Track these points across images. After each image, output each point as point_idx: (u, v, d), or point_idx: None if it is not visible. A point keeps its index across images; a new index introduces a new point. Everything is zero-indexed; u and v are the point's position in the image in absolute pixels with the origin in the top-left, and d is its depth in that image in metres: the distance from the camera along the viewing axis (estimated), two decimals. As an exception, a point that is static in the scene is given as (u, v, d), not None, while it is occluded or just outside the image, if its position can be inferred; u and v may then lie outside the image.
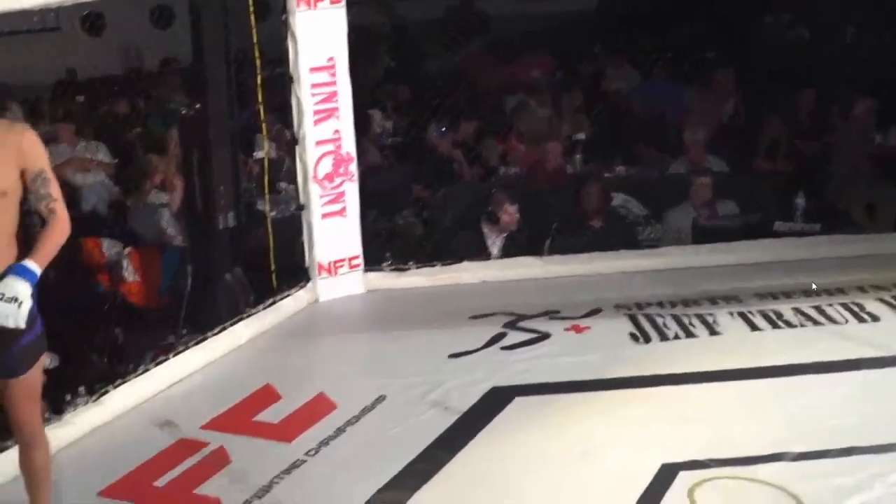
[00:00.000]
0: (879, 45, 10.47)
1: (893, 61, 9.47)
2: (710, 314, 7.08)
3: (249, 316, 7.07)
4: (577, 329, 6.94)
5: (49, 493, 4.55)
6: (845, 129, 9.44)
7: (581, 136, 10.01)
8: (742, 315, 7.05)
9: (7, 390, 4.32)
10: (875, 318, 6.94)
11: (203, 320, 6.96)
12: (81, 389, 6.03)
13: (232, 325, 6.91)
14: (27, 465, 4.52)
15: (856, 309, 7.07)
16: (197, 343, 6.67)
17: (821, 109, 9.79)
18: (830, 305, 7.13)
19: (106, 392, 5.99)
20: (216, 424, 5.82)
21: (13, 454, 4.84)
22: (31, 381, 4.33)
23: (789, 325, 6.90)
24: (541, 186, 9.01)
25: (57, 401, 5.90)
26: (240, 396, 6.12)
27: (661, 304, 7.28)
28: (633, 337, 6.80)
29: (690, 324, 6.95)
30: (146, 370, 6.33)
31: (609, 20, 11.10)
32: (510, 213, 8.13)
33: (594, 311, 7.18)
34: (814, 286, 7.41)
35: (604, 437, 5.48)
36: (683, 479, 5.02)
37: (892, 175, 9.15)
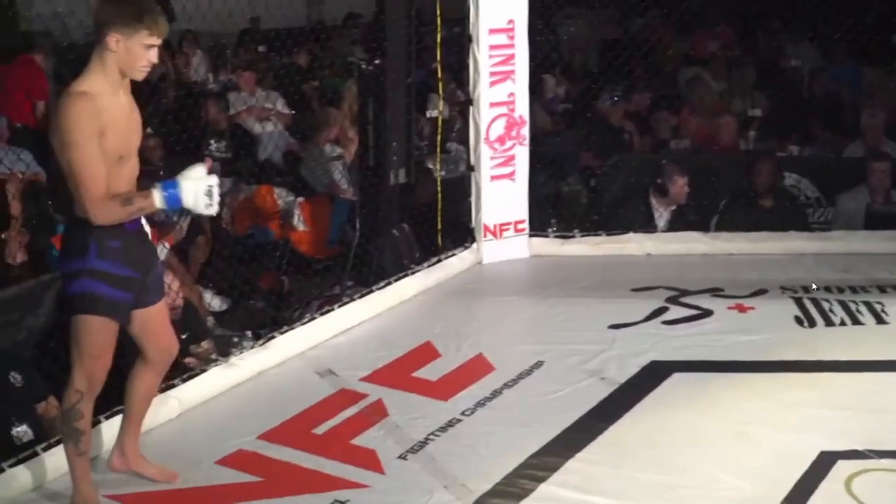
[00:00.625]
0: None
1: None
2: (879, 302, 6.93)
3: (414, 273, 7.17)
4: (741, 308, 6.86)
5: None
6: None
7: (757, 112, 9.87)
8: (912, 306, 6.89)
9: (154, 316, 4.56)
10: None
11: (369, 273, 7.08)
12: (248, 333, 6.20)
13: (397, 280, 7.02)
14: (148, 389, 4.74)
15: None
16: (362, 296, 6.79)
17: None
18: None
19: (272, 338, 6.14)
20: (376, 377, 5.93)
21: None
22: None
23: (961, 318, 6.72)
24: (712, 161, 8.91)
25: (224, 343, 6.09)
26: (401, 351, 6.23)
27: (828, 289, 7.16)
28: (798, 320, 6.69)
29: (858, 311, 6.81)
30: (312, 318, 6.46)
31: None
32: (680, 186, 8.06)
33: (759, 292, 7.10)
34: (813, 286, 7.21)
35: (762, 419, 5.41)
36: (841, 468, 4.93)
37: None
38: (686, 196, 8.10)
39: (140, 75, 4.31)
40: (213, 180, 4.24)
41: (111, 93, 4.24)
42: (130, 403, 4.74)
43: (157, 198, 4.21)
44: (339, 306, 6.63)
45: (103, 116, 4.17)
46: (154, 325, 4.58)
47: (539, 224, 7.84)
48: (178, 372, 5.46)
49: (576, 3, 8.77)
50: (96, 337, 4.33)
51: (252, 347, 6.01)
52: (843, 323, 6.67)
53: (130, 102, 4.38)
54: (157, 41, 4.25)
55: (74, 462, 4.51)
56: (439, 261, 7.39)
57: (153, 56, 4.27)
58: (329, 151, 8.59)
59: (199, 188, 4.21)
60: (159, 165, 7.25)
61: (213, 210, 4.30)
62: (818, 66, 10.94)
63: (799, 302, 6.94)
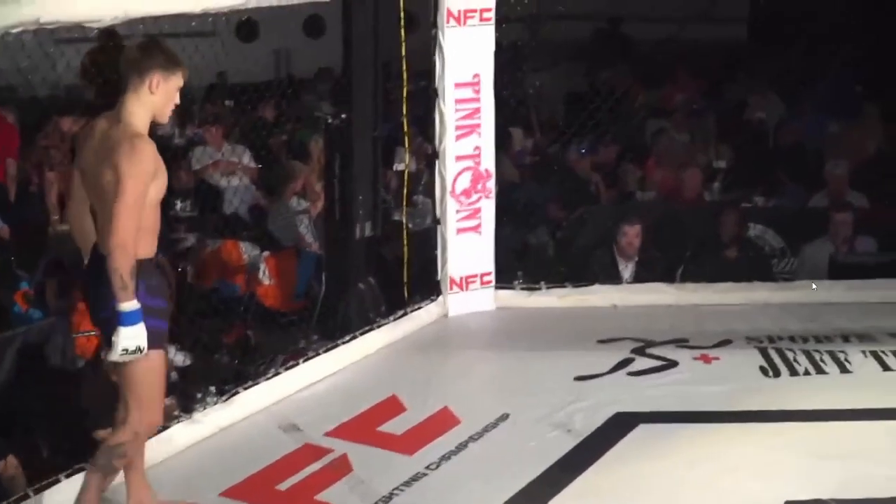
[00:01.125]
0: None
1: None
2: (842, 351, 6.98)
3: (380, 326, 7.16)
4: (706, 359, 6.89)
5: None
6: None
7: (721, 163, 9.94)
8: (875, 354, 6.92)
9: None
10: None
11: (335, 327, 7.07)
12: (212, 389, 6.16)
13: (363, 333, 7.01)
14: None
15: None
16: (327, 350, 6.77)
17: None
18: (974, 348, 6.97)
19: (236, 393, 6.11)
20: (341, 432, 5.91)
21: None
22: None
23: (924, 367, 6.78)
24: (677, 213, 8.96)
25: (187, 398, 6.05)
26: (366, 405, 6.21)
27: (792, 339, 7.19)
28: (763, 370, 6.73)
29: (821, 360, 6.85)
30: (276, 373, 6.44)
31: (757, 49, 10.98)
32: (630, 237, 8.11)
33: (724, 342, 7.13)
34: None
35: (728, 469, 5.42)
36: (805, 517, 4.97)
37: None
38: (636, 248, 8.13)
39: (167, 118, 4.71)
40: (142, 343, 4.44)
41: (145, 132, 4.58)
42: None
43: (133, 303, 4.40)
44: (305, 360, 6.61)
45: (157, 161, 4.53)
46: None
47: (505, 276, 7.85)
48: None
49: (541, 56, 8.82)
50: (158, 371, 4.65)
51: (216, 403, 5.97)
52: (807, 372, 6.71)
53: None
54: (182, 83, 4.62)
55: (92, 493, 4.68)
56: (405, 314, 7.38)
57: (177, 98, 4.63)
58: (295, 205, 8.60)
59: (136, 341, 4.42)
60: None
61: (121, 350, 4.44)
62: (784, 118, 11.04)
63: (764, 352, 6.97)
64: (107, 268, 4.39)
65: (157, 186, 4.53)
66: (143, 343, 4.42)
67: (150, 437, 4.95)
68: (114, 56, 4.65)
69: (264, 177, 9.45)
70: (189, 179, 9.06)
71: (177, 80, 4.58)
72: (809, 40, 9.07)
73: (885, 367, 6.76)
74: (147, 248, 4.56)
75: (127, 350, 4.40)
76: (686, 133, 10.75)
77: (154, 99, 4.54)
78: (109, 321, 4.45)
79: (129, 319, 4.38)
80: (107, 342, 4.51)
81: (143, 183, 4.42)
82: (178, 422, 5.72)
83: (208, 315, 7.19)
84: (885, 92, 10.39)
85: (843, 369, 6.75)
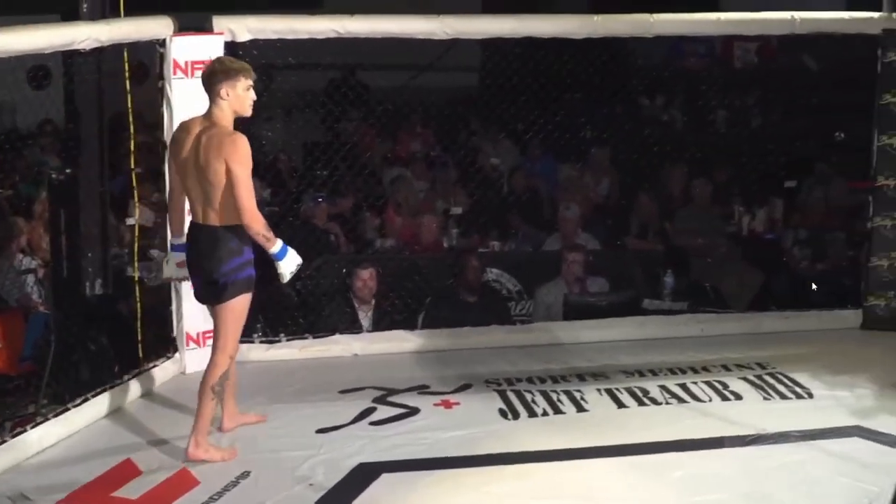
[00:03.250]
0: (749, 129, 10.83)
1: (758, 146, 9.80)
2: (578, 391, 7.15)
3: (114, 387, 6.92)
4: (447, 405, 6.94)
5: None
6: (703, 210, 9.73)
7: (458, 209, 10.07)
8: (609, 392, 7.12)
9: None
10: (738, 397, 7.08)
11: (65, 390, 6.79)
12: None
13: (95, 395, 6.76)
14: None
15: (719, 387, 7.19)
16: (57, 414, 6.50)
17: (687, 189, 10.07)
18: (695, 384, 7.26)
19: (-41, 463, 5.80)
20: (73, 499, 5.67)
21: None
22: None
23: (655, 402, 7.00)
24: (416, 260, 9.04)
25: None
26: (99, 471, 5.98)
27: (530, 380, 7.32)
28: (502, 413, 6.82)
29: (559, 400, 6.99)
30: (3, 441, 6.14)
31: (488, 96, 11.20)
32: (362, 279, 8.13)
33: (464, 387, 7.21)
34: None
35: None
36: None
37: (755, 255, 9.42)
38: (372, 291, 8.18)
39: (250, 111, 6.00)
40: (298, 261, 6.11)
41: None
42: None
43: (278, 244, 5.98)
44: (33, 426, 6.32)
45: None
46: None
47: (244, 330, 7.69)
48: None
49: (273, 105, 8.75)
50: (246, 309, 6.11)
51: (-63, 475, 5.66)
52: (545, 413, 6.83)
53: None
54: (251, 82, 5.94)
55: (206, 417, 6.10)
56: (140, 372, 7.16)
57: (253, 94, 5.97)
58: (21, 264, 8.25)
59: (295, 262, 6.07)
60: None
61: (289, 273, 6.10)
62: (517, 163, 11.29)
63: (503, 394, 7.08)
64: (210, 236, 5.92)
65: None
66: (299, 261, 6.09)
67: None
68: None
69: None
70: None
71: (242, 83, 5.89)
72: (537, 88, 9.31)
73: (620, 405, 6.96)
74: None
75: (293, 272, 6.07)
76: (424, 181, 10.87)
77: (228, 102, 5.89)
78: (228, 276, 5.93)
79: (282, 254, 5.99)
80: (215, 296, 6.02)
81: (248, 167, 5.81)
82: None
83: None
84: (612, 137, 10.78)
85: (580, 408, 6.90)
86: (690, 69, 12.79)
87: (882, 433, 6.48)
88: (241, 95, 5.91)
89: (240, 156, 5.80)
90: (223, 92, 5.87)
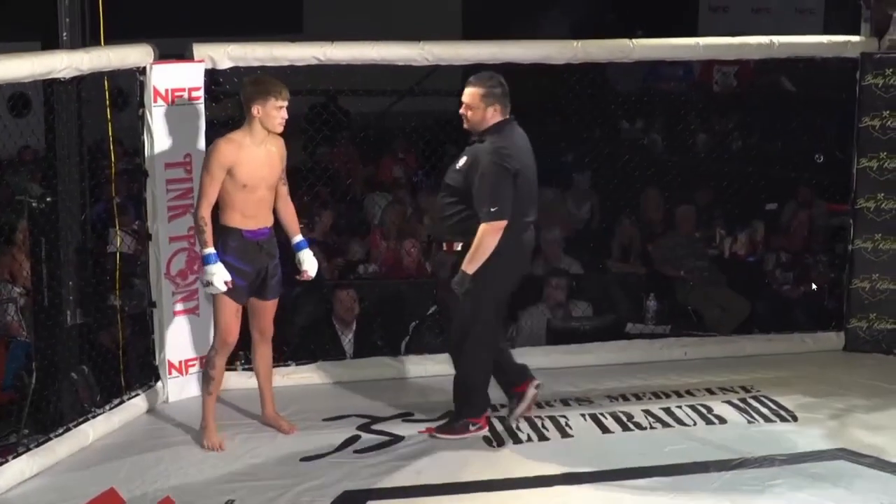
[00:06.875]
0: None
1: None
2: (563, 416, 7.13)
3: (96, 416, 6.88)
4: (431, 432, 6.90)
5: None
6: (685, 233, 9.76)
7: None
8: (593, 417, 7.11)
9: (266, 308, 6.79)
10: (722, 421, 7.08)
11: (46, 420, 6.75)
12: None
13: (77, 425, 6.71)
14: (264, 359, 6.93)
15: (703, 411, 7.19)
16: (39, 444, 6.45)
17: (667, 213, 10.10)
18: (679, 407, 7.26)
19: (-61, 496, 5.75)
20: (56, 530, 5.64)
21: None
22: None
23: (639, 426, 7.00)
24: (400, 286, 9.02)
25: None
26: (82, 501, 5.92)
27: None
28: (487, 440, 6.80)
29: (543, 426, 6.97)
30: (-16, 471, 6.10)
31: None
32: (344, 301, 8.09)
33: (448, 414, 7.15)
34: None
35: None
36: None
37: (737, 278, 9.45)
38: (354, 313, 8.17)
39: (280, 128, 6.48)
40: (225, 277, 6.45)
41: (252, 143, 6.45)
42: (257, 373, 6.95)
43: (208, 251, 6.42)
44: (14, 457, 6.27)
45: (239, 155, 6.39)
46: (263, 314, 6.79)
47: (229, 358, 7.66)
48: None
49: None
50: (224, 309, 6.55)
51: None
52: (529, 439, 6.82)
53: (273, 151, 6.55)
54: (285, 103, 6.42)
55: (204, 399, 6.71)
56: (122, 402, 7.11)
57: (285, 113, 6.43)
58: (1, 292, 8.21)
59: (220, 276, 6.41)
60: None
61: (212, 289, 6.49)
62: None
63: (487, 421, 7.04)
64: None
65: (237, 176, 6.41)
66: (227, 277, 6.44)
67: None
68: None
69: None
70: None
71: (273, 103, 6.37)
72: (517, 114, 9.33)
73: (605, 430, 6.95)
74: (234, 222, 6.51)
75: (215, 284, 6.45)
76: (407, 205, 10.86)
77: (260, 118, 6.40)
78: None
79: (210, 261, 6.45)
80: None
81: (208, 168, 6.41)
82: None
83: None
84: (593, 162, 10.81)
85: (565, 434, 6.89)
86: (670, 92, 12.85)
87: (866, 456, 6.50)
88: (271, 114, 6.39)
89: (207, 155, 6.48)
90: (255, 109, 6.38)
